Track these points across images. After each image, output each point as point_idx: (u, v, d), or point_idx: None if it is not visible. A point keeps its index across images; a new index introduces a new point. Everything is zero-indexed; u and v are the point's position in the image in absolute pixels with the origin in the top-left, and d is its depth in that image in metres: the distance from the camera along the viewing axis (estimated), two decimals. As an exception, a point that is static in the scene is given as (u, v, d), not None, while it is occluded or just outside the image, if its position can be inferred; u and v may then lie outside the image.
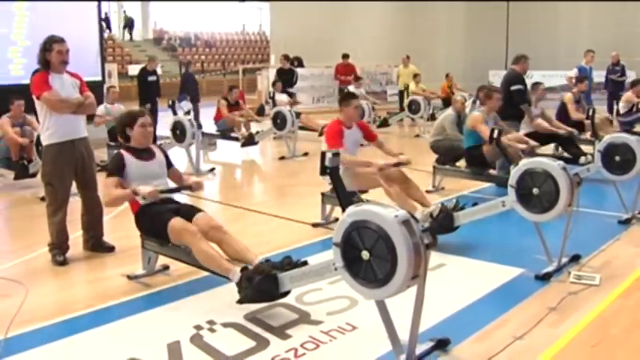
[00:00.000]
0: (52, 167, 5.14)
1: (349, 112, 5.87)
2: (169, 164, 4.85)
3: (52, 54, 5.01)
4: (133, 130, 4.66)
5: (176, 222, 4.24)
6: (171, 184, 4.78)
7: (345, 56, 15.82)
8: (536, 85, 8.62)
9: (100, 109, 9.68)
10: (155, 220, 4.39)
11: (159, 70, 15.01)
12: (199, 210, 4.54)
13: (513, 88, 7.89)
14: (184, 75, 14.89)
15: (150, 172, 4.63)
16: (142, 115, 4.73)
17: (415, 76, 15.56)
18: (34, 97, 5.02)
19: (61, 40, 5.08)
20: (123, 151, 4.63)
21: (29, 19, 11.27)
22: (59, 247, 5.13)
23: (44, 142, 5.15)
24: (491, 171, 7.29)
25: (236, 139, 10.94)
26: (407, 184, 5.56)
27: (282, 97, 13.38)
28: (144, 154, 4.69)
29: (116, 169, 4.52)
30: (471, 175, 7.39)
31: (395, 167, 5.58)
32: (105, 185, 4.48)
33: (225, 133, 11.18)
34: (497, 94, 7.15)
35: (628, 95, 10.35)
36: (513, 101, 7.83)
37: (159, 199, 4.48)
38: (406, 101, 14.15)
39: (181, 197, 5.84)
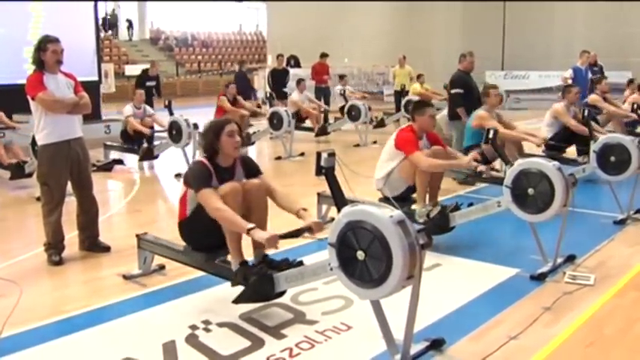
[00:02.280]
0: (47, 167, 5.13)
1: (423, 121, 5.42)
2: (252, 173, 4.21)
3: (46, 54, 5.01)
4: (220, 140, 4.03)
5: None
6: None
7: (324, 55, 15.77)
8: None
9: (128, 110, 9.80)
10: (201, 223, 4.01)
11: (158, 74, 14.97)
12: None
13: (453, 91, 8.23)
14: (237, 74, 15.00)
15: None
16: (229, 122, 4.12)
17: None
18: (29, 97, 5.02)
19: (56, 40, 5.08)
20: (208, 164, 4.04)
21: (45, 20, 11.42)
22: (55, 247, 5.13)
23: (40, 142, 5.14)
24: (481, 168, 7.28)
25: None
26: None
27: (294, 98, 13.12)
28: (226, 175, 4.08)
29: (208, 178, 3.95)
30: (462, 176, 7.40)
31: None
32: (208, 197, 3.84)
33: None
34: (495, 90, 7.26)
35: (635, 97, 10.37)
36: (467, 101, 8.18)
37: None
38: (403, 101, 14.14)
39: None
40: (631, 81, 11.54)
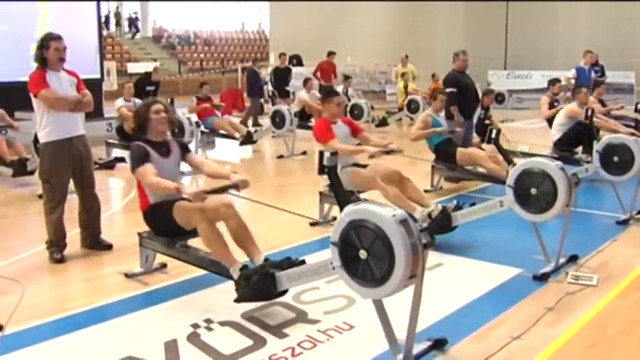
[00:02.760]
0: (49, 165, 5.13)
1: (331, 108, 5.90)
2: (186, 150, 4.67)
3: (49, 51, 5.00)
4: (148, 117, 4.43)
5: (183, 202, 4.20)
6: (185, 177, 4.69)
7: (331, 53, 15.69)
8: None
9: (119, 102, 9.95)
10: (164, 211, 4.29)
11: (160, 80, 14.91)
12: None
13: (447, 91, 8.19)
14: (249, 71, 15.13)
15: (167, 170, 4.38)
16: (155, 102, 4.57)
17: (403, 74, 15.63)
18: (31, 95, 5.01)
19: (59, 38, 5.07)
20: (142, 143, 4.41)
21: (52, 17, 11.54)
22: (57, 244, 5.12)
23: (42, 139, 5.13)
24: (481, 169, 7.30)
25: (234, 138, 10.94)
26: (404, 185, 5.56)
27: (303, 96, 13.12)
28: (162, 148, 4.48)
29: (144, 157, 4.30)
30: (468, 174, 7.40)
31: (386, 154, 5.68)
32: (143, 174, 4.23)
33: (214, 132, 11.22)
34: (442, 96, 7.53)
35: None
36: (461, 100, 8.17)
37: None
38: (405, 100, 14.15)
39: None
40: None
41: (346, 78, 15.05)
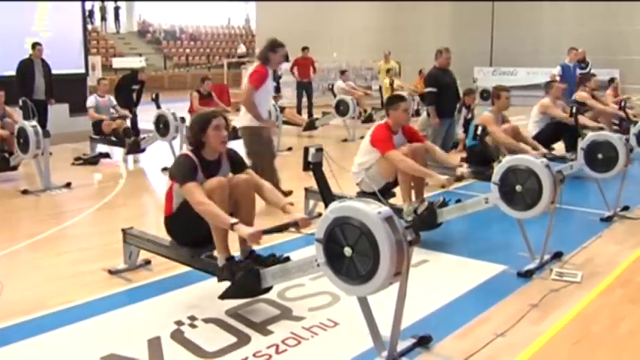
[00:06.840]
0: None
1: (398, 115, 5.42)
2: (239, 166, 4.21)
3: (275, 56, 6.23)
4: (207, 134, 3.98)
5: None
6: None
7: (305, 48, 15.63)
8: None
9: (91, 101, 9.79)
10: (188, 216, 3.93)
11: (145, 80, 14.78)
12: None
13: (426, 90, 8.20)
14: None
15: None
16: (216, 116, 4.05)
17: (388, 71, 15.65)
18: (248, 84, 6.20)
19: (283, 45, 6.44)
20: (193, 157, 4.00)
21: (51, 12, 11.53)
22: None
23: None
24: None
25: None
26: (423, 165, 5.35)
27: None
28: (211, 167, 4.07)
29: (193, 172, 3.91)
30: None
31: (457, 181, 5.32)
32: (191, 192, 3.79)
33: None
34: (505, 93, 7.06)
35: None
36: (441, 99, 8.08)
37: None
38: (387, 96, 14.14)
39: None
40: (612, 80, 11.78)
41: (342, 73, 14.89)
